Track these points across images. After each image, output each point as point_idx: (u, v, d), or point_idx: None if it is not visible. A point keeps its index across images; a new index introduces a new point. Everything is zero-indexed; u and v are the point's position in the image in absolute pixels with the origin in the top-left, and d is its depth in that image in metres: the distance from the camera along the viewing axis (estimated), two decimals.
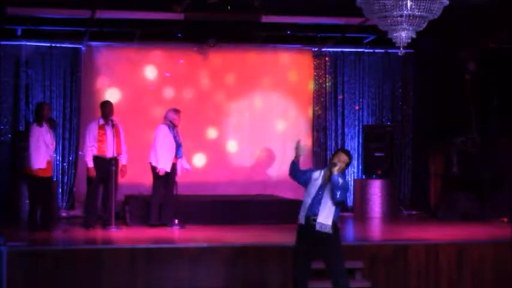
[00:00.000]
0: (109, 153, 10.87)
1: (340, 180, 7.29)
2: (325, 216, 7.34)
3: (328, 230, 7.35)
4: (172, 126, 11.19)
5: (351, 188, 13.73)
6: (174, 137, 11.15)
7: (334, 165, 7.31)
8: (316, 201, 7.36)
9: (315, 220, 7.34)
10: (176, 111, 11.31)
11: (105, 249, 8.97)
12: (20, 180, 11.87)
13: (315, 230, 7.33)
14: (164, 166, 11.02)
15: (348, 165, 7.47)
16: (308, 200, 7.42)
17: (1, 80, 12.81)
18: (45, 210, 10.58)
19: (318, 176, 7.48)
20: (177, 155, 11.13)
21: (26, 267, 8.46)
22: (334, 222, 7.38)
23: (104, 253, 8.76)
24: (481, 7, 11.33)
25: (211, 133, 13.92)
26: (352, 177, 14.04)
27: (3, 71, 12.82)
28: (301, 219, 7.45)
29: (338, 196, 7.29)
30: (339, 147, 13.88)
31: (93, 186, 10.97)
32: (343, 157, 7.41)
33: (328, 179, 7.35)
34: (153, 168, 11.08)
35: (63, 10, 11.86)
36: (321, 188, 7.39)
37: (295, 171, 7.55)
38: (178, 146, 11.17)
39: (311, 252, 7.45)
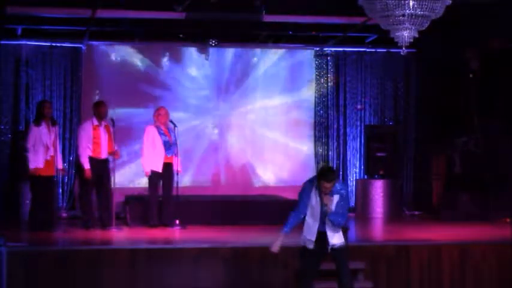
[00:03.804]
0: (103, 154, 10.85)
1: (336, 199, 7.16)
2: (336, 236, 7.26)
3: (341, 245, 7.28)
4: (159, 125, 11.17)
5: (353, 188, 13.70)
6: (164, 137, 11.11)
7: (326, 204, 7.12)
8: (321, 223, 7.25)
9: (325, 239, 7.23)
10: (157, 109, 11.40)
11: (105, 249, 8.94)
12: (20, 180, 11.84)
13: (327, 248, 7.24)
14: (150, 167, 11.06)
15: (335, 182, 7.16)
16: (314, 223, 7.27)
17: (1, 79, 12.77)
18: (47, 210, 10.54)
19: (315, 201, 7.25)
20: (167, 154, 11.10)
21: (26, 267, 8.42)
22: (343, 226, 7.33)
23: (104, 253, 8.73)
24: (484, 7, 11.29)
25: (212, 133, 13.86)
26: (354, 178, 14.01)
27: (3, 71, 12.78)
28: (309, 243, 7.28)
29: (337, 224, 7.21)
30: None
31: (88, 188, 10.88)
32: (326, 184, 7.08)
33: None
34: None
35: (64, 9, 11.81)
36: (322, 211, 7.24)
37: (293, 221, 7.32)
38: (169, 145, 11.13)
39: (320, 254, 7.38)
